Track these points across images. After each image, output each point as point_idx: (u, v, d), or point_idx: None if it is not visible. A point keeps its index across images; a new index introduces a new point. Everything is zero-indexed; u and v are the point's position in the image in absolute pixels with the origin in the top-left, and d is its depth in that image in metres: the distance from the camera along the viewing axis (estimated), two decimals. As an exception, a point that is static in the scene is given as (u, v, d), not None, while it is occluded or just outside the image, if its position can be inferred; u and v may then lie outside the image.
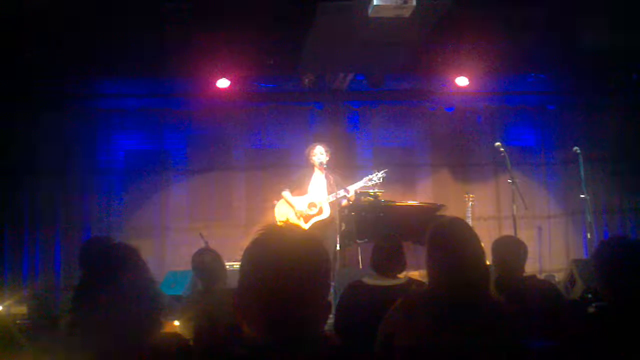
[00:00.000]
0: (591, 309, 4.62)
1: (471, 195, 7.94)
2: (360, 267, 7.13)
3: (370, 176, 7.11)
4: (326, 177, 7.08)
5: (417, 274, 5.76)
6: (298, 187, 7.19)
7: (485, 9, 6.84)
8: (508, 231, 7.67)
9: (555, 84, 9.10)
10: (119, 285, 2.04)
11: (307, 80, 8.01)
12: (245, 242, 1.61)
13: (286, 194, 7.15)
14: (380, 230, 6.18)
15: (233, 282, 1.65)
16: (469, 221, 7.36)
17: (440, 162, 8.91)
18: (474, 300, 2.44)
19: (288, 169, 8.26)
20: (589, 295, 5.51)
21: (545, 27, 7.17)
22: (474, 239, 2.58)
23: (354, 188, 7.02)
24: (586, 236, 7.52)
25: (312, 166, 7.19)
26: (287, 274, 1.50)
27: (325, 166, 7.06)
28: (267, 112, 8.73)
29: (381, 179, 7.09)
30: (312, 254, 1.56)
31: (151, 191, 8.42)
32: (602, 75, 8.50)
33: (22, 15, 6.33)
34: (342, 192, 6.92)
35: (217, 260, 4.40)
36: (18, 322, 5.39)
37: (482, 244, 2.62)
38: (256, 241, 1.58)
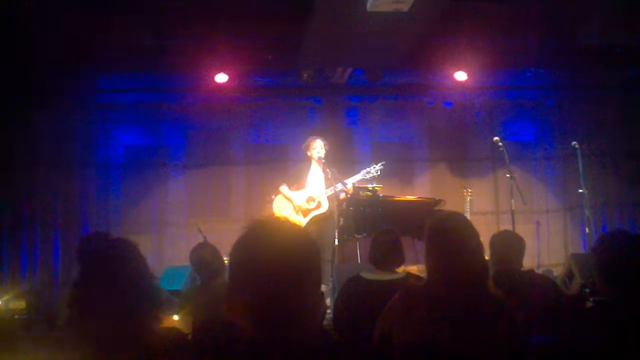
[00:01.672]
0: (589, 304, 4.64)
1: (469, 190, 7.95)
2: (359, 261, 7.13)
3: (368, 169, 7.10)
4: (324, 170, 7.04)
5: (415, 269, 5.78)
6: (296, 182, 7.17)
7: (484, 3, 6.84)
8: (506, 226, 7.68)
9: (554, 79, 9.09)
10: (118, 280, 2.04)
11: (305, 75, 8.00)
12: (241, 238, 1.60)
13: (284, 188, 7.13)
14: (378, 225, 6.19)
15: (231, 277, 1.64)
16: (467, 216, 7.36)
17: (439, 156, 8.91)
18: (473, 295, 2.44)
19: (286, 164, 8.26)
20: (587, 290, 5.51)
21: (544, 21, 7.17)
22: (472, 233, 2.58)
23: (352, 181, 7.01)
24: (584, 231, 7.53)
25: (310, 160, 7.16)
26: (274, 268, 1.48)
27: (323, 160, 7.04)
28: (265, 107, 8.71)
29: (379, 172, 7.08)
30: (299, 247, 1.54)
31: (149, 186, 8.41)
32: (601, 70, 8.50)
33: (20, 11, 6.32)
34: (340, 186, 6.90)
35: (216, 255, 4.40)
36: (17, 317, 5.40)
37: (481, 239, 2.62)
38: (243, 237, 1.56)
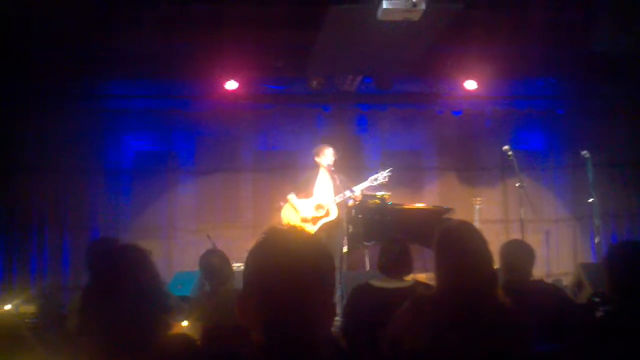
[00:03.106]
0: (599, 313, 4.61)
1: (479, 199, 7.92)
2: (368, 269, 7.12)
3: (375, 175, 7.09)
4: (332, 178, 7.05)
5: (424, 277, 5.76)
6: (304, 190, 7.16)
7: (494, 12, 6.84)
8: (515, 235, 7.64)
9: (564, 88, 9.07)
10: (127, 286, 2.05)
11: (315, 82, 8.02)
12: (252, 244, 1.61)
13: (292, 197, 7.13)
14: (387, 233, 6.18)
15: (240, 284, 1.65)
16: (476, 224, 7.33)
17: (448, 165, 8.90)
18: (482, 304, 2.44)
19: (295, 171, 8.25)
20: (597, 300, 5.48)
21: (555, 30, 7.16)
22: (481, 242, 2.57)
23: (359, 188, 6.99)
24: (594, 240, 7.49)
25: (318, 167, 7.17)
26: (290, 276, 1.49)
27: (332, 168, 7.04)
28: (275, 114, 8.74)
29: (386, 178, 7.06)
30: (315, 256, 1.55)
31: (159, 192, 8.45)
32: (611, 80, 8.47)
33: (31, 15, 6.38)
34: (348, 193, 6.90)
35: (225, 261, 4.42)
36: (27, 320, 5.41)
37: (490, 248, 2.62)
38: (260, 244, 1.57)
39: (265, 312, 1.49)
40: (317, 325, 1.52)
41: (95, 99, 8.58)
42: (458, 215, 7.26)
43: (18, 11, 6.31)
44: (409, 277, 4.09)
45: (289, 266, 1.50)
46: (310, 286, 1.50)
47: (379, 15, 5.48)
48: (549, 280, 7.31)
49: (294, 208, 7.07)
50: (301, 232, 1.62)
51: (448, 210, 7.34)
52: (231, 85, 7.97)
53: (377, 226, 6.90)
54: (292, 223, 6.68)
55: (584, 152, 7.20)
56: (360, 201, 7.03)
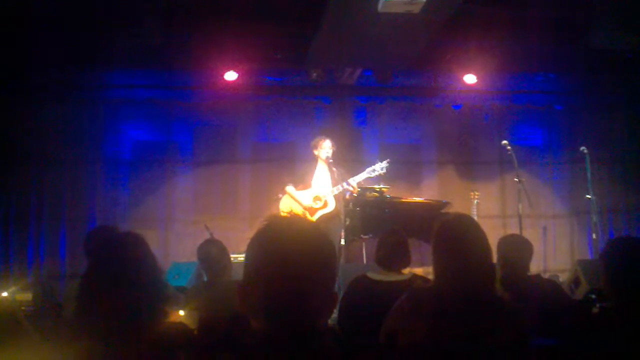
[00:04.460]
0: (595, 310, 4.63)
1: (477, 193, 7.93)
2: (365, 262, 7.13)
3: (373, 167, 7.06)
4: (330, 170, 7.04)
5: (421, 271, 5.77)
6: (302, 182, 7.15)
7: (494, 7, 6.83)
8: (513, 230, 7.66)
9: (564, 84, 9.07)
10: (126, 274, 2.05)
11: (315, 74, 8.00)
12: (250, 235, 1.60)
13: (290, 189, 7.12)
14: (385, 226, 6.17)
15: (237, 275, 1.65)
16: (474, 219, 7.33)
17: (447, 159, 8.90)
18: (480, 297, 2.44)
19: (293, 163, 8.25)
20: (593, 296, 5.51)
21: (555, 26, 7.15)
22: (480, 235, 2.57)
23: (357, 180, 6.96)
24: (591, 236, 7.50)
25: (317, 159, 7.15)
26: (291, 264, 1.49)
27: (330, 160, 7.03)
28: (274, 106, 8.72)
29: (384, 169, 7.03)
30: (317, 245, 1.55)
31: (157, 182, 8.44)
32: (611, 76, 8.47)
33: (31, 6, 6.36)
34: (345, 185, 6.88)
35: (223, 251, 4.41)
36: (23, 308, 5.42)
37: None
38: (261, 231, 1.57)
39: (267, 300, 1.48)
40: (318, 313, 1.52)
41: (94, 89, 8.57)
42: (456, 209, 7.27)
43: (18, 2, 6.29)
44: (406, 271, 4.10)
45: (291, 253, 1.50)
46: (311, 273, 1.50)
47: (380, 7, 5.47)
48: (546, 276, 7.33)
49: (294, 199, 7.07)
50: (302, 219, 1.61)
51: (446, 204, 7.35)
52: (230, 76, 7.95)
53: (374, 219, 6.91)
54: (294, 211, 6.67)
55: (583, 148, 7.21)
56: (359, 194, 7.01)
